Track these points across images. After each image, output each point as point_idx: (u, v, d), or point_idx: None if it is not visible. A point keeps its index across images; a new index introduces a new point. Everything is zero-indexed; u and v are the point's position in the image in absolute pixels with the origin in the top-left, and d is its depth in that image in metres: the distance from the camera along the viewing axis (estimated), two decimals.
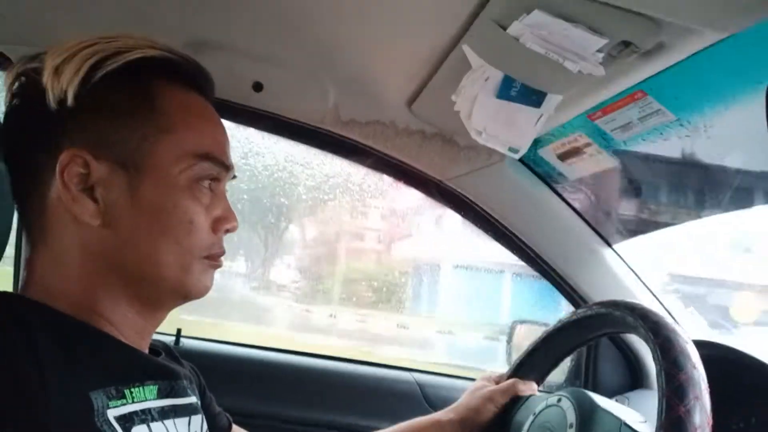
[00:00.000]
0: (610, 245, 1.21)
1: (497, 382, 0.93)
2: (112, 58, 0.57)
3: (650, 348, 0.65)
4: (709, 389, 0.60)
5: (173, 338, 1.22)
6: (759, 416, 0.93)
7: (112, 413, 0.54)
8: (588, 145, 1.00)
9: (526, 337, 1.23)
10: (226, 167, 0.65)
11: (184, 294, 0.64)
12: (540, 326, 1.23)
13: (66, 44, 0.58)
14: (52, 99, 0.56)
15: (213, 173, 0.63)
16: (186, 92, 0.64)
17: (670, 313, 1.13)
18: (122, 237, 0.59)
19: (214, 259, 0.64)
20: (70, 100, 0.56)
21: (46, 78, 0.56)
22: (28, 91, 0.59)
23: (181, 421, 0.64)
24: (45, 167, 0.58)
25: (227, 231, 0.65)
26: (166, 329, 1.08)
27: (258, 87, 1.02)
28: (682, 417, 0.56)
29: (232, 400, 0.86)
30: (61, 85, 0.56)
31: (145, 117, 0.60)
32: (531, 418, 0.80)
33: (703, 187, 1.05)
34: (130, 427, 0.55)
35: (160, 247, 0.60)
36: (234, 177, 0.69)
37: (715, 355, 0.80)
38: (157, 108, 0.60)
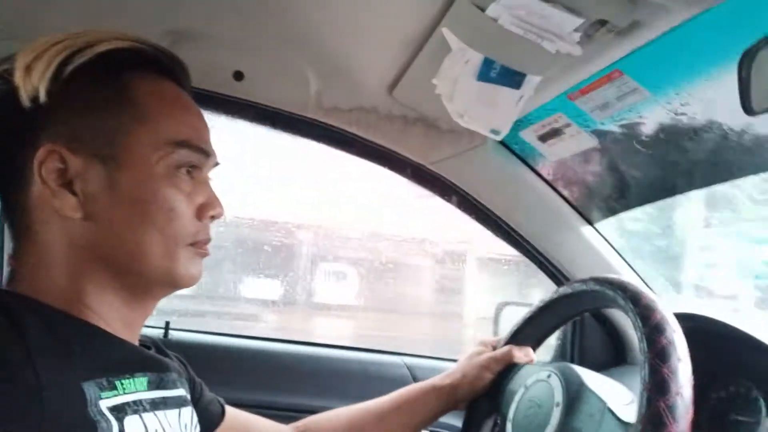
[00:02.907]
0: (591, 224, 1.23)
1: (494, 347, 0.95)
2: (81, 52, 0.57)
3: (637, 335, 0.66)
4: (692, 377, 0.61)
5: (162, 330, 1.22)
6: (738, 385, 0.96)
7: (104, 404, 0.54)
8: (568, 125, 1.02)
9: (512, 319, 1.25)
10: (206, 153, 0.65)
11: (172, 283, 0.64)
12: (525, 307, 1.25)
13: (35, 43, 0.58)
14: (25, 97, 0.56)
15: (192, 160, 0.63)
16: (159, 81, 0.64)
17: (651, 289, 1.16)
18: (105, 229, 0.59)
19: (199, 246, 0.65)
20: (42, 97, 0.56)
21: (18, 77, 0.56)
22: (1, 92, 0.59)
23: (172, 413, 0.65)
24: (24, 164, 0.58)
25: (212, 218, 0.66)
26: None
27: (239, 76, 1.02)
28: (662, 412, 0.57)
29: (223, 390, 0.87)
30: (33, 83, 0.56)
31: (118, 108, 0.60)
32: (522, 390, 0.81)
33: (680, 164, 1.07)
34: (123, 417, 0.56)
35: (142, 237, 0.60)
36: (217, 164, 0.69)
37: (695, 327, 0.82)
38: (131, 98, 0.61)
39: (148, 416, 0.59)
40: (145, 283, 0.63)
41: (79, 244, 0.59)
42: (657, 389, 0.58)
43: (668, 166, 1.07)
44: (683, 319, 0.69)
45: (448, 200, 1.24)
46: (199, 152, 0.64)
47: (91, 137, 0.59)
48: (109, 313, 0.61)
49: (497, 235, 1.27)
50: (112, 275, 0.61)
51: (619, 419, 0.67)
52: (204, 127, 0.67)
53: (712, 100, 0.85)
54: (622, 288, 0.72)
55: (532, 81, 0.80)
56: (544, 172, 1.19)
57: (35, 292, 0.58)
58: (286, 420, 0.93)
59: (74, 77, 0.57)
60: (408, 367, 1.32)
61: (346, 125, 1.11)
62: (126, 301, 0.63)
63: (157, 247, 0.61)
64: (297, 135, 1.19)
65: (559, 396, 0.73)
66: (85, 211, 0.59)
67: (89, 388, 0.53)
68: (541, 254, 1.23)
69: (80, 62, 0.57)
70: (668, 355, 0.60)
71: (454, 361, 0.98)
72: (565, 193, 1.21)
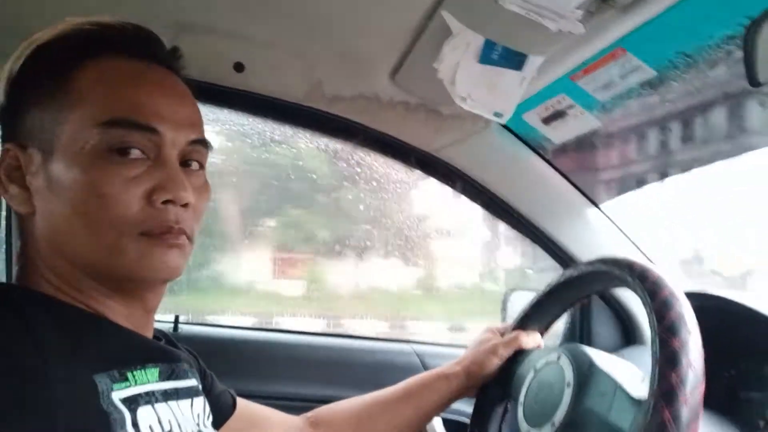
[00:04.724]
0: (596, 205, 1.22)
1: (502, 334, 0.95)
2: (27, 49, 0.59)
3: (646, 311, 0.65)
4: (702, 350, 0.60)
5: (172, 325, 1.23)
6: (749, 363, 0.96)
7: (117, 395, 0.54)
8: (571, 106, 1.01)
9: (520, 305, 1.25)
10: (151, 129, 0.58)
11: (130, 277, 0.58)
12: (533, 293, 1.25)
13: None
14: None
15: (128, 139, 0.57)
16: (111, 62, 0.60)
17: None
18: (49, 223, 0.59)
19: (154, 235, 0.57)
20: (1, 99, 0.59)
21: None
22: None
23: (184, 403, 0.65)
24: None
25: (169, 202, 0.58)
26: None
27: (239, 67, 1.01)
28: (674, 385, 0.56)
29: (233, 383, 0.87)
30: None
31: (60, 99, 0.58)
32: (532, 373, 0.81)
33: (686, 141, 1.07)
34: (136, 408, 0.55)
35: (80, 229, 0.57)
36: (206, 145, 0.64)
37: (705, 305, 0.81)
38: (72, 88, 0.58)
39: (160, 407, 0.59)
40: (108, 278, 0.59)
41: (40, 241, 0.59)
42: (668, 362, 0.58)
43: (674, 143, 1.07)
44: (692, 297, 0.69)
45: (453, 186, 1.24)
46: (139, 129, 0.57)
47: (38, 132, 0.58)
48: (110, 306, 0.60)
49: (503, 220, 1.27)
50: (79, 269, 0.59)
51: (631, 396, 0.67)
52: (154, 101, 0.59)
53: (716, 75, 0.84)
54: (629, 266, 0.72)
55: (534, 62, 0.80)
56: (548, 155, 1.18)
57: (39, 286, 0.58)
58: (296, 411, 0.94)
59: (24, 76, 0.58)
60: (418, 355, 1.32)
61: (348, 114, 1.10)
62: (113, 294, 0.60)
63: (99, 239, 0.57)
64: (299, 126, 1.19)
65: (569, 376, 0.72)
66: (35, 206, 0.59)
67: (101, 381, 0.53)
68: (547, 237, 1.22)
69: (25, 57, 0.58)
70: (678, 328, 0.60)
71: (464, 347, 0.98)
72: (570, 175, 1.20)
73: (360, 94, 1.07)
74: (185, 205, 0.59)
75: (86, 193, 0.56)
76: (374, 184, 1.48)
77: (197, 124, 0.64)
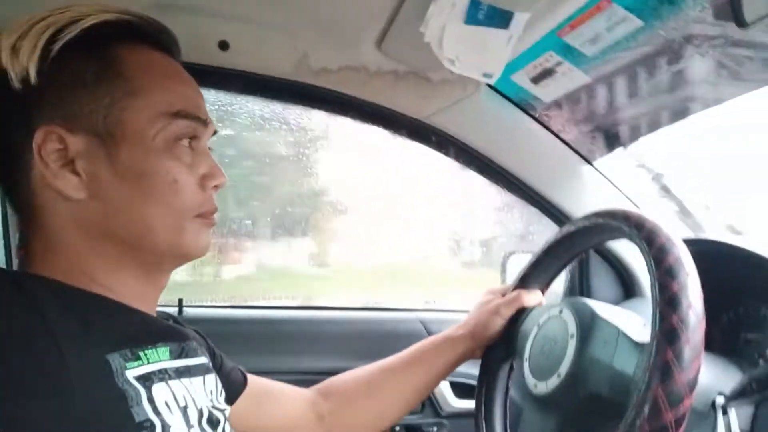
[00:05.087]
0: (590, 162, 1.23)
1: (503, 295, 0.96)
2: (68, 28, 0.56)
3: (644, 258, 0.66)
4: (701, 292, 0.61)
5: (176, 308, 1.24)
6: (748, 304, 0.97)
7: (130, 374, 0.55)
8: (559, 63, 1.01)
9: (519, 267, 1.26)
10: (204, 122, 0.64)
11: (182, 255, 0.64)
12: (530, 255, 1.26)
13: (18, 22, 0.56)
14: (14, 78, 0.55)
15: (190, 131, 0.62)
16: (148, 52, 0.63)
17: None
18: (111, 207, 0.59)
19: (206, 217, 0.65)
20: (33, 78, 0.55)
21: (5, 59, 0.55)
22: None
23: (197, 380, 0.66)
24: (23, 148, 0.58)
25: (216, 187, 0.65)
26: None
27: (224, 46, 1.00)
28: (675, 326, 0.58)
29: (241, 361, 0.88)
30: (21, 63, 0.55)
31: (111, 83, 0.59)
32: (535, 329, 0.83)
33: (676, 92, 1.07)
34: (150, 386, 0.56)
35: (149, 212, 0.60)
36: (215, 132, 0.69)
37: (705, 250, 0.82)
38: (122, 72, 0.60)
39: (174, 383, 0.60)
40: (155, 257, 0.63)
41: (86, 225, 0.59)
42: (668, 305, 0.59)
43: (664, 94, 1.07)
44: (690, 243, 0.70)
45: (446, 153, 1.24)
46: (197, 121, 0.63)
47: (87, 115, 0.58)
48: (123, 289, 0.62)
49: (497, 183, 1.27)
50: (122, 252, 0.61)
51: (633, 341, 0.68)
52: (198, 96, 0.66)
53: (705, 19, 0.84)
54: (625, 217, 0.72)
55: (520, 19, 0.80)
56: (539, 115, 1.18)
57: (49, 273, 0.58)
58: (306, 384, 0.95)
59: (63, 54, 0.56)
60: (422, 322, 1.33)
61: (337, 86, 1.10)
62: (138, 276, 0.63)
63: (164, 221, 0.61)
64: (288, 102, 1.18)
65: (572, 328, 0.74)
66: (88, 191, 0.59)
67: (114, 360, 0.54)
68: (542, 197, 1.23)
69: (68, 38, 0.56)
70: (676, 271, 0.61)
71: (467, 312, 0.99)
72: (562, 133, 1.20)
73: (347, 65, 1.06)
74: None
75: (160, 180, 0.60)
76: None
77: None
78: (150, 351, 0.59)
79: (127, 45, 0.61)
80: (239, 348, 0.95)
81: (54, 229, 0.60)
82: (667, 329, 0.58)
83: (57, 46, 0.56)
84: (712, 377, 0.74)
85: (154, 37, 0.64)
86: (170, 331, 0.67)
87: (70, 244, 0.60)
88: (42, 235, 0.60)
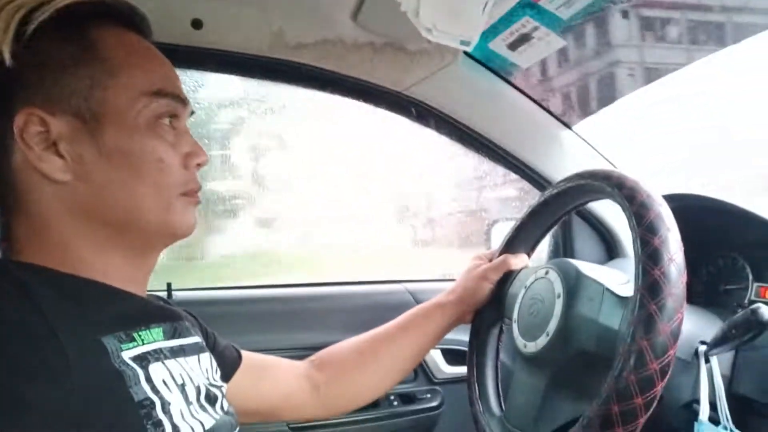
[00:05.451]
0: (569, 127, 1.24)
1: (490, 260, 0.97)
2: (40, 9, 0.55)
3: (626, 215, 0.67)
4: (682, 245, 0.63)
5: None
6: (727, 257, 1.00)
7: (126, 354, 0.55)
8: (536, 29, 1.01)
9: (503, 235, 1.28)
10: (182, 101, 0.64)
11: (170, 234, 0.65)
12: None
13: None
14: None
15: (170, 109, 0.62)
16: (123, 32, 0.63)
17: None
18: (97, 188, 0.59)
19: (191, 195, 0.65)
20: (8, 60, 0.54)
21: None
22: None
23: (192, 359, 0.66)
24: (4, 132, 0.57)
25: (198, 165, 0.66)
26: None
27: (197, 24, 0.98)
28: (658, 279, 0.60)
29: (235, 340, 0.88)
30: None
31: (89, 64, 0.58)
32: (523, 291, 0.84)
33: (653, 53, 1.08)
34: (147, 365, 0.57)
35: (136, 192, 0.60)
36: (192, 113, 0.68)
37: (686, 206, 0.84)
38: (100, 53, 0.59)
39: (170, 363, 0.61)
40: (144, 237, 0.63)
41: (73, 207, 0.59)
42: (650, 259, 0.61)
43: (640, 54, 1.07)
44: (671, 198, 0.72)
45: (426, 124, 1.24)
46: (176, 100, 0.63)
47: (67, 97, 0.58)
48: (113, 272, 0.61)
49: (478, 152, 1.28)
50: (110, 234, 0.61)
51: (618, 296, 0.70)
52: (175, 75, 0.66)
53: None
54: (606, 177, 0.74)
55: None
56: (517, 82, 1.19)
57: (36, 259, 0.58)
58: (299, 359, 0.96)
59: (38, 36, 0.55)
60: (410, 293, 1.35)
61: (314, 61, 1.09)
62: (126, 258, 0.63)
63: (152, 200, 0.61)
64: (265, 79, 1.17)
65: (559, 288, 0.76)
66: (74, 173, 0.58)
67: (109, 342, 0.54)
68: (523, 164, 1.24)
69: (41, 19, 0.55)
70: (657, 227, 0.63)
71: (452, 281, 1.00)
72: (541, 100, 1.21)
73: (323, 39, 1.05)
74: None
75: (145, 159, 0.60)
76: None
77: None
78: (144, 332, 0.60)
79: (102, 25, 0.61)
80: (231, 328, 0.95)
81: (40, 213, 0.59)
82: (650, 283, 0.60)
83: (31, 27, 0.55)
84: (694, 327, 0.77)
85: (126, 17, 0.63)
86: (163, 312, 0.67)
87: (57, 228, 0.59)
88: (27, 220, 0.59)
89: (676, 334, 0.59)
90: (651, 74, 1.13)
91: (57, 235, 0.59)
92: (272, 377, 0.90)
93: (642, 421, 0.59)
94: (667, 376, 0.59)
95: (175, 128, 0.64)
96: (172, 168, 0.62)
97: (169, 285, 1.18)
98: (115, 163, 0.59)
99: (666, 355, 0.58)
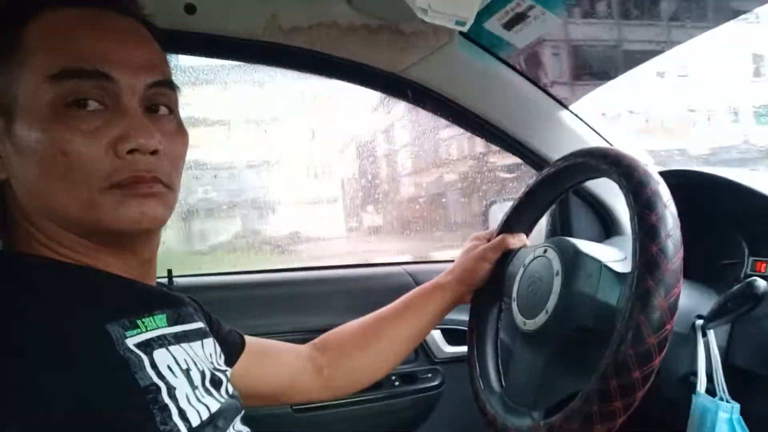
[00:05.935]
0: (566, 106, 1.24)
1: (489, 240, 0.98)
2: None
3: (623, 192, 0.68)
4: (679, 221, 0.64)
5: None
6: (723, 233, 1.01)
7: (131, 341, 0.56)
8: (531, 7, 1.01)
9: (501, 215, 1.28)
10: (102, 75, 0.55)
11: (111, 231, 0.57)
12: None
13: None
14: None
15: (81, 89, 0.55)
16: (59, 12, 0.57)
17: None
18: (24, 187, 0.58)
19: (129, 187, 0.56)
20: None
21: None
22: None
23: (196, 345, 0.67)
24: None
25: (135, 151, 0.56)
26: None
27: (190, 9, 0.97)
28: (655, 255, 0.60)
29: (238, 324, 0.90)
30: None
31: (10, 58, 0.56)
32: (521, 270, 0.85)
33: (648, 29, 1.07)
34: (152, 352, 0.58)
35: (50, 189, 0.56)
36: (161, 84, 0.60)
37: (683, 182, 0.85)
38: (22, 44, 0.56)
39: (174, 348, 0.62)
40: (91, 233, 0.59)
41: (23, 204, 0.59)
42: (648, 235, 0.61)
43: (637, 32, 1.07)
44: (668, 175, 0.72)
45: (423, 106, 1.24)
46: (90, 77, 0.55)
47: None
48: (105, 260, 0.61)
49: (475, 133, 1.28)
50: (63, 228, 0.59)
51: (615, 272, 0.71)
52: (104, 45, 0.57)
53: None
54: (603, 155, 0.74)
55: None
56: (513, 62, 1.18)
57: (31, 248, 0.59)
58: (302, 342, 0.97)
59: None
60: (410, 274, 1.36)
61: (309, 44, 1.08)
62: (104, 249, 0.60)
63: (67, 198, 0.56)
64: (260, 63, 1.16)
65: (557, 265, 0.76)
66: (7, 172, 0.58)
67: (113, 329, 0.55)
68: (520, 144, 1.24)
69: None
70: (654, 203, 0.63)
71: (451, 262, 1.01)
72: (537, 79, 1.21)
73: (319, 23, 1.04)
74: (155, 152, 0.57)
75: (51, 153, 0.54)
76: None
77: (157, 65, 0.61)
78: (147, 319, 0.60)
79: (38, 12, 0.57)
80: (233, 313, 0.96)
81: (15, 208, 0.60)
82: (647, 258, 0.60)
83: None
84: (691, 302, 0.78)
85: None
86: (165, 299, 0.68)
87: (34, 223, 0.59)
88: (13, 213, 0.60)
89: (673, 309, 0.60)
90: (648, 53, 1.13)
91: (40, 228, 0.59)
92: (276, 361, 0.91)
93: (640, 394, 0.60)
94: (665, 350, 0.60)
95: (106, 109, 0.56)
96: (85, 159, 0.55)
97: (169, 271, 1.18)
98: (27, 159, 0.56)
99: (663, 329, 0.59)
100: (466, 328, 0.98)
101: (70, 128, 0.54)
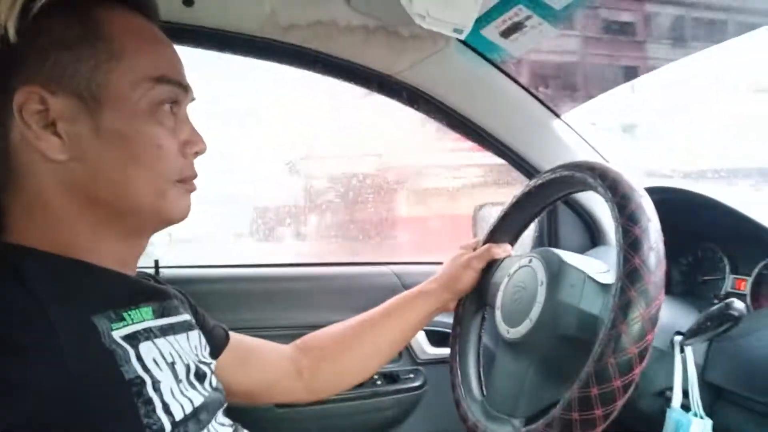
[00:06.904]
0: (558, 116, 1.25)
1: (474, 249, 0.99)
2: None
3: (608, 206, 0.69)
4: (662, 235, 0.65)
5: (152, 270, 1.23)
6: (705, 249, 1.03)
7: (117, 334, 0.56)
8: (528, 17, 1.01)
9: (489, 218, 1.29)
10: (184, 88, 0.64)
11: (164, 220, 0.65)
12: (500, 207, 1.29)
13: None
14: None
15: (172, 95, 0.63)
16: (130, 15, 0.63)
17: None
18: (93, 169, 0.59)
19: (187, 182, 0.65)
20: (12, 37, 0.54)
21: None
22: None
23: (181, 337, 0.68)
24: (2, 109, 0.57)
25: (196, 154, 0.66)
26: None
27: (188, 2, 0.97)
28: (638, 267, 0.61)
29: (222, 318, 0.89)
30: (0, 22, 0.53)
31: (93, 45, 0.58)
32: (506, 279, 0.86)
33: (644, 45, 1.09)
34: (137, 344, 0.58)
35: (131, 176, 0.61)
36: (193, 99, 0.68)
37: (667, 198, 0.87)
38: (104, 35, 0.59)
39: (160, 341, 0.62)
40: (138, 220, 0.64)
41: (68, 187, 0.59)
42: (631, 247, 0.63)
43: (632, 47, 1.08)
44: (653, 191, 0.74)
45: (417, 108, 1.24)
46: (178, 87, 0.63)
47: (69, 77, 0.57)
48: (104, 252, 0.62)
49: (468, 138, 1.29)
50: (104, 215, 0.61)
51: (599, 283, 0.72)
52: (178, 61, 0.66)
53: None
54: (590, 168, 0.75)
55: None
56: (509, 70, 1.19)
57: (27, 239, 0.59)
58: (285, 339, 0.97)
59: (44, 15, 0.55)
60: (396, 275, 1.36)
61: (306, 42, 1.08)
62: (119, 239, 0.64)
63: (146, 185, 0.61)
64: (256, 58, 1.15)
65: (542, 275, 0.77)
66: (71, 153, 0.58)
67: (99, 322, 0.55)
68: (512, 151, 1.25)
69: None
70: (638, 217, 0.65)
71: (440, 264, 1.02)
72: (531, 88, 1.22)
73: (317, 21, 1.04)
74: None
75: (143, 144, 0.60)
76: None
77: None
78: (133, 311, 0.61)
79: (110, 7, 0.61)
80: (218, 306, 0.96)
81: (35, 192, 0.59)
82: (630, 270, 0.62)
83: (37, 5, 0.55)
84: (671, 318, 0.79)
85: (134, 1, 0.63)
86: (152, 291, 0.68)
87: (51, 207, 0.59)
88: (22, 198, 0.60)
89: (654, 320, 0.61)
90: (642, 68, 1.14)
91: (51, 214, 0.59)
92: (258, 360, 0.91)
93: (620, 403, 0.61)
94: (645, 360, 0.61)
95: (176, 114, 0.64)
96: (169, 155, 0.62)
97: (156, 262, 1.18)
98: (113, 146, 0.59)
99: (644, 340, 0.60)
100: (449, 330, 0.99)
101: (161, 125, 0.62)
